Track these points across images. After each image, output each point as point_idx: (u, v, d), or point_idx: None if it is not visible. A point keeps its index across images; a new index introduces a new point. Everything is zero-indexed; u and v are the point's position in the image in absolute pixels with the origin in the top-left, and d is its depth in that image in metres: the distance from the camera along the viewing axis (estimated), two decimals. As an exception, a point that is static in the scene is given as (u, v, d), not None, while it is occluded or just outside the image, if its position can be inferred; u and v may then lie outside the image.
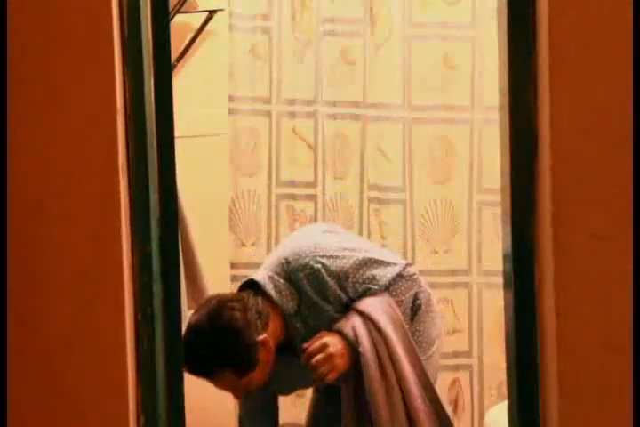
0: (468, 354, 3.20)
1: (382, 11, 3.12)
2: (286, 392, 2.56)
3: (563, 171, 1.33)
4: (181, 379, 1.52)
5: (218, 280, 2.50)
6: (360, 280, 2.22)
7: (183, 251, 2.33)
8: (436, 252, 3.19)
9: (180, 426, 1.53)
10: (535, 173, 1.38)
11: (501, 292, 1.50)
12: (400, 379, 2.17)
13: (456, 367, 3.20)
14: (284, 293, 2.21)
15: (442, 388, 3.18)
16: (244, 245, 3.06)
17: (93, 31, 1.42)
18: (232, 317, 2.14)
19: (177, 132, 1.51)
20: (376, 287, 2.23)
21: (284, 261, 2.23)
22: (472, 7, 3.13)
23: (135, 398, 1.45)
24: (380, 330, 2.18)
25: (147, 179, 1.47)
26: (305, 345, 2.17)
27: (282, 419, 3.00)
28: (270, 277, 2.22)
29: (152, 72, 1.49)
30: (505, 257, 1.46)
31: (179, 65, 3.17)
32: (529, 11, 1.38)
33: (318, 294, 2.20)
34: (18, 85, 1.42)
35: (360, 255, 2.25)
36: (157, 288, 1.49)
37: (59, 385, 1.44)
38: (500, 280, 1.57)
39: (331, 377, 2.16)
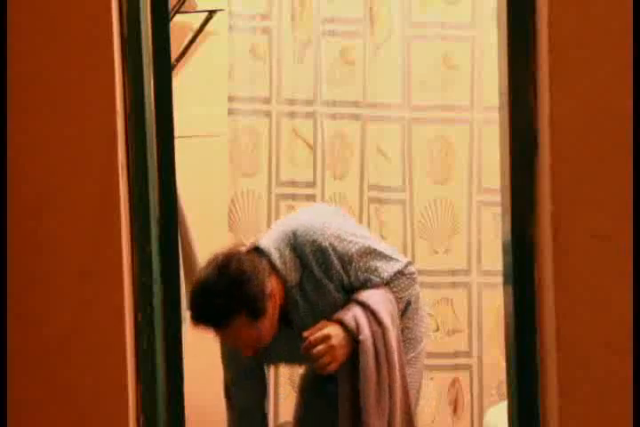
0: (468, 354, 3.21)
1: (382, 11, 3.12)
2: (273, 362, 2.52)
3: (563, 171, 1.33)
4: (181, 379, 1.52)
5: (218, 280, 2.49)
6: (363, 268, 2.24)
7: (183, 251, 2.33)
8: (436, 252, 3.19)
9: (180, 426, 1.53)
10: (535, 173, 1.38)
11: (501, 292, 1.50)
12: (390, 373, 2.20)
13: (456, 367, 3.20)
14: (288, 264, 2.21)
15: (442, 388, 3.19)
16: (243, 245, 3.06)
17: (93, 32, 1.42)
18: (241, 264, 2.15)
19: (177, 133, 1.51)
20: (377, 279, 2.24)
21: (291, 234, 2.24)
22: (472, 7, 3.13)
23: (135, 398, 1.45)
24: (379, 322, 2.20)
25: (147, 179, 1.47)
26: (305, 334, 2.18)
27: (282, 418, 3.01)
28: (276, 248, 2.22)
29: (152, 72, 1.49)
30: (504, 257, 1.46)
31: (179, 65, 3.17)
32: (529, 11, 1.38)
33: (322, 270, 2.22)
34: (18, 86, 1.42)
35: (366, 243, 2.26)
36: (157, 288, 1.49)
37: (59, 385, 1.44)
38: (499, 280, 1.57)
39: (332, 368, 2.18)
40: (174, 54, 3.11)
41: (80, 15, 1.42)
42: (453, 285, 3.19)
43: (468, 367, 3.21)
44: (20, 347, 1.42)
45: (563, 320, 1.33)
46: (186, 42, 3.18)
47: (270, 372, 3.13)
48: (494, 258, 2.98)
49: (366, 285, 2.24)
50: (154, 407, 1.48)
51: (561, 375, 1.33)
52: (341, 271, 2.22)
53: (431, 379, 3.20)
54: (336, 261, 2.21)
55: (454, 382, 3.21)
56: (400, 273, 2.28)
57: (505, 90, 1.42)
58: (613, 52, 1.32)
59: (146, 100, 1.47)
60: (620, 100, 1.32)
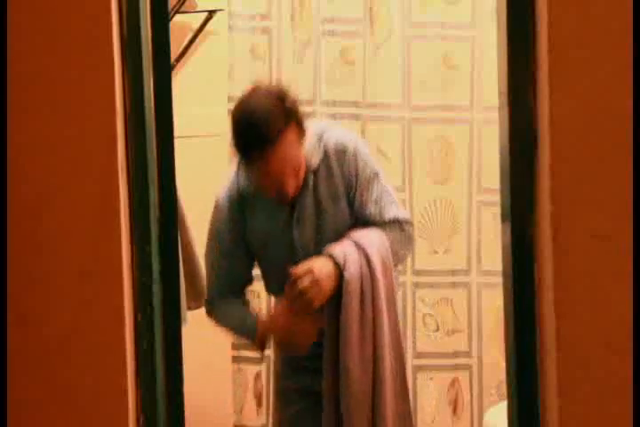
0: (468, 354, 3.21)
1: (382, 11, 3.12)
2: (260, 244, 2.37)
3: (563, 171, 1.33)
4: (181, 379, 1.52)
5: (217, 280, 2.50)
6: (367, 193, 2.25)
7: (183, 251, 2.33)
8: (436, 252, 3.19)
9: (180, 426, 1.53)
10: (535, 173, 1.38)
11: (501, 292, 1.50)
12: (375, 320, 2.16)
13: (455, 367, 3.20)
14: (312, 146, 2.23)
15: (441, 388, 3.19)
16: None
17: (93, 32, 1.42)
18: (277, 84, 2.21)
19: (177, 133, 1.51)
20: (376, 215, 2.24)
21: (321, 125, 2.29)
22: (472, 7, 3.13)
23: (135, 398, 1.45)
24: (369, 263, 2.17)
25: (146, 179, 1.47)
26: (291, 269, 2.16)
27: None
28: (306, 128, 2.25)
29: (152, 72, 1.49)
30: (504, 257, 1.46)
31: (178, 65, 3.17)
32: (529, 11, 1.38)
33: (338, 165, 2.25)
34: (18, 86, 1.42)
35: (378, 171, 2.28)
36: (157, 288, 1.49)
37: (58, 385, 1.44)
38: (499, 280, 1.57)
39: (318, 302, 2.15)
40: (174, 54, 3.11)
41: (80, 15, 1.42)
42: (453, 285, 3.19)
43: (467, 367, 3.21)
44: (20, 347, 1.42)
45: (563, 320, 1.33)
46: (186, 42, 3.17)
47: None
48: (494, 258, 2.97)
49: (364, 214, 2.25)
50: (154, 408, 1.48)
51: (561, 375, 1.33)
52: (353, 178, 2.24)
53: (431, 379, 3.20)
54: (351, 166, 2.24)
55: (454, 382, 3.21)
56: (398, 223, 2.27)
57: (505, 90, 1.41)
58: (613, 52, 1.32)
59: (146, 101, 1.47)
60: (620, 100, 1.32)
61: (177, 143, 1.52)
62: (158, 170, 1.50)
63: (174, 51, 3.10)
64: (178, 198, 2.04)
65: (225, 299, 2.36)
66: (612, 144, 1.33)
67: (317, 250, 2.22)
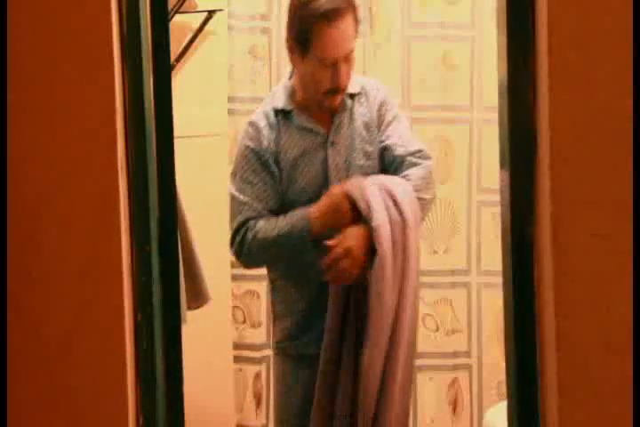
0: (468, 354, 3.21)
1: (382, 11, 3.12)
2: (289, 156, 2.35)
3: (562, 171, 1.33)
4: (181, 379, 1.52)
5: (218, 280, 2.50)
6: (394, 126, 2.33)
7: (183, 251, 2.33)
8: (436, 252, 3.19)
9: (180, 426, 1.53)
10: (535, 172, 1.38)
11: (501, 292, 1.50)
12: (404, 268, 2.17)
13: (455, 367, 3.20)
14: (353, 79, 2.32)
15: (441, 388, 3.19)
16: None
17: (93, 31, 1.42)
18: None
19: (177, 133, 1.51)
20: (398, 145, 2.30)
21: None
22: (472, 7, 3.13)
23: (135, 398, 1.45)
24: (400, 212, 2.18)
25: (147, 179, 1.47)
26: (329, 242, 2.14)
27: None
28: None
29: (151, 72, 1.49)
30: (504, 257, 1.46)
31: (178, 65, 3.17)
32: (529, 11, 1.38)
33: (374, 98, 2.37)
34: (18, 86, 1.42)
35: (402, 116, 2.41)
36: (157, 288, 1.49)
37: (58, 385, 1.44)
38: (499, 280, 1.57)
39: (352, 271, 2.15)
40: (174, 54, 3.11)
41: (80, 15, 1.42)
42: (453, 285, 3.19)
43: (467, 367, 3.21)
44: (20, 347, 1.42)
45: (563, 320, 1.33)
46: (186, 42, 3.17)
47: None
48: (494, 258, 2.97)
49: (387, 145, 2.30)
50: (154, 407, 1.48)
51: (561, 375, 1.33)
52: (384, 109, 2.35)
53: (430, 379, 3.20)
54: (386, 100, 2.37)
55: (454, 382, 3.21)
56: (420, 156, 2.31)
57: (505, 90, 1.42)
58: (613, 53, 1.32)
59: (145, 101, 1.48)
60: (620, 100, 1.32)
61: (177, 143, 1.52)
62: (158, 170, 1.50)
63: (174, 51, 3.10)
64: (178, 198, 2.04)
65: (262, 217, 2.29)
66: (612, 144, 1.33)
67: (348, 175, 2.27)
